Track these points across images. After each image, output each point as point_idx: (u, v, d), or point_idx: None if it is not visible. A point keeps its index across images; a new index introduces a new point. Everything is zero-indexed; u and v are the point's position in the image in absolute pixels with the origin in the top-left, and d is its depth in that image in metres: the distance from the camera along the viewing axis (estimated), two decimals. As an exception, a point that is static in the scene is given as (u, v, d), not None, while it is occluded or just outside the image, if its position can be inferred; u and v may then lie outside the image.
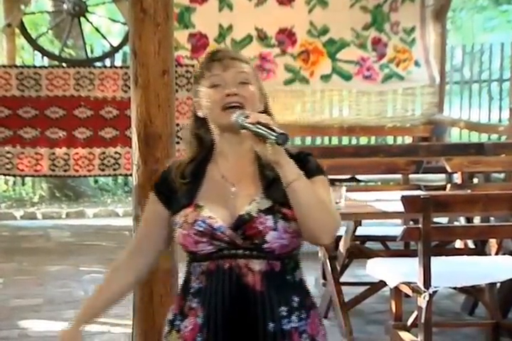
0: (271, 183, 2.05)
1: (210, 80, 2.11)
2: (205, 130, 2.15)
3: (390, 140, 9.09)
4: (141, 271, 2.21)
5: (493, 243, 4.62)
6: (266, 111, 2.14)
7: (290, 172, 1.97)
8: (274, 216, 2.03)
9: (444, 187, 5.18)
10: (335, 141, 8.83)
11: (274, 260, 2.05)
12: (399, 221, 5.26)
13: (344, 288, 4.66)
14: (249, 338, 2.04)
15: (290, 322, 2.05)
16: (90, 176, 8.00)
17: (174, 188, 2.12)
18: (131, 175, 3.50)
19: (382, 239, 5.28)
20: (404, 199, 3.86)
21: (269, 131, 1.95)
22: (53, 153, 7.26)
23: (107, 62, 8.35)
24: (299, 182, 1.97)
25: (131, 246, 2.23)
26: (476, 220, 5.05)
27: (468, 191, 4.85)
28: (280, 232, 2.02)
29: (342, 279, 4.78)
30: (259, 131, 1.96)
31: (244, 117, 2.01)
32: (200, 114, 2.15)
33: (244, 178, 2.10)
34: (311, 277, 4.57)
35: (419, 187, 5.04)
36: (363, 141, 9.06)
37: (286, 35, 7.76)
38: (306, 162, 2.08)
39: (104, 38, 7.75)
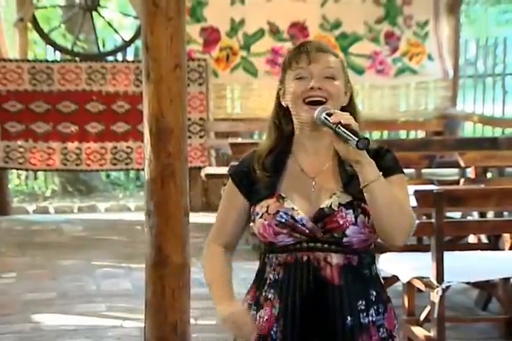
0: (351, 179, 2.05)
1: (296, 72, 2.10)
2: (286, 119, 2.14)
3: (402, 134, 9.04)
4: (231, 248, 2.21)
5: (506, 238, 4.59)
6: (350, 104, 2.13)
7: (369, 172, 1.98)
8: (355, 210, 2.04)
9: (457, 182, 5.15)
10: (347, 135, 8.78)
11: (351, 254, 2.06)
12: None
13: (357, 283, 4.63)
14: (326, 331, 2.04)
15: (368, 316, 2.06)
16: (102, 170, 8.03)
17: (254, 179, 2.12)
18: (143, 169, 3.50)
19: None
20: (417, 193, 3.84)
21: (350, 135, 1.94)
22: (65, 148, 7.27)
23: (119, 56, 8.35)
24: (376, 184, 1.97)
25: (213, 235, 2.21)
26: (490, 215, 5.01)
27: (482, 186, 4.81)
28: (360, 227, 2.04)
29: (354, 274, 4.76)
30: (341, 132, 1.96)
31: (327, 114, 2.00)
32: (283, 103, 2.14)
33: (324, 172, 2.10)
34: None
35: (432, 182, 5.01)
36: (376, 135, 9.02)
37: (299, 29, 7.74)
38: (385, 159, 2.08)
39: (116, 32, 7.76)
